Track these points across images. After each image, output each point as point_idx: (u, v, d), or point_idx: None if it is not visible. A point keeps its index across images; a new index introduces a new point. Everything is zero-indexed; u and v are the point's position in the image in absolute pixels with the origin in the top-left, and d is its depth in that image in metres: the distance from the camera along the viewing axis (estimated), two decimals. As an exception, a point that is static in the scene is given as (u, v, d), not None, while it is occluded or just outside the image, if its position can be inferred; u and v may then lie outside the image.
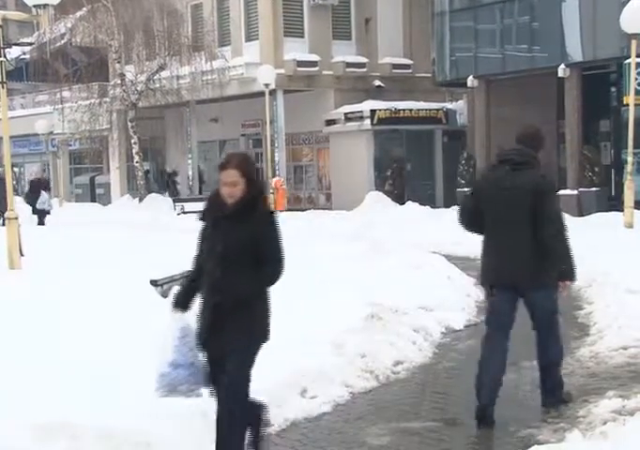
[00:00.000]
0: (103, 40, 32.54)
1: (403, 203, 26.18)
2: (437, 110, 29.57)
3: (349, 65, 29.88)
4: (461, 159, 26.60)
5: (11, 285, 10.24)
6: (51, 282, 9.84)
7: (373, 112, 28.35)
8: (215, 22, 31.13)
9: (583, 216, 20.37)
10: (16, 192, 19.51)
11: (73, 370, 5.73)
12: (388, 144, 29.28)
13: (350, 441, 5.52)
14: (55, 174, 38.56)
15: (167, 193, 33.89)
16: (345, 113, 29.00)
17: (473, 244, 16.33)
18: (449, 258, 13.50)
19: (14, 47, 25.45)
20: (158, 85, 31.78)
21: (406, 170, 29.40)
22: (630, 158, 17.78)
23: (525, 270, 5.71)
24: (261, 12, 29.52)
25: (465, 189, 25.01)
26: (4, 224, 14.13)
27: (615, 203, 21.03)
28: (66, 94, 34.44)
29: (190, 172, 34.49)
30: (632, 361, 7.12)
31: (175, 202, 30.39)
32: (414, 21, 30.95)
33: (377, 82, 30.35)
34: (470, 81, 25.49)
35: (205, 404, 4.73)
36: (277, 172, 29.10)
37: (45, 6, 13.20)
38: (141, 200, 32.57)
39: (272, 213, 4.70)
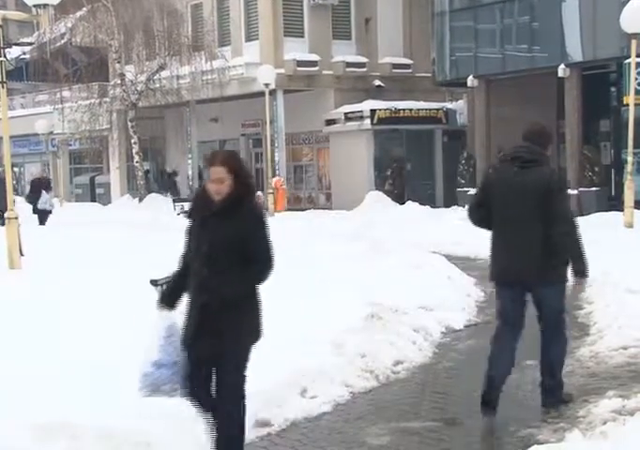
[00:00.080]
0: (103, 40, 32.54)
1: (403, 203, 26.19)
2: (437, 109, 29.57)
3: (349, 64, 29.88)
4: (461, 159, 26.62)
5: (11, 285, 10.25)
6: (51, 282, 9.85)
7: (373, 111, 28.35)
8: (215, 22, 31.13)
9: (583, 215, 20.35)
10: (16, 192, 19.51)
11: (73, 370, 5.73)
12: (388, 144, 29.28)
13: (350, 440, 5.52)
14: (55, 174, 38.57)
15: (168, 193, 33.90)
16: (345, 113, 29.01)
17: (473, 244, 16.42)
18: (449, 258, 13.50)
19: (14, 47, 25.48)
20: (158, 85, 31.78)
21: (406, 169, 29.40)
22: (630, 158, 17.78)
23: (534, 267, 5.72)
24: (261, 12, 29.52)
25: (465, 189, 25.16)
26: (4, 224, 14.12)
27: (615, 203, 21.03)
28: (66, 94, 34.45)
29: (190, 172, 34.48)
30: (632, 361, 7.12)
31: (174, 202, 30.37)
32: (414, 21, 30.95)
33: (377, 82, 30.35)
34: (470, 80, 25.50)
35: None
36: (277, 172, 29.10)
37: (45, 5, 13.21)
38: (141, 200, 32.57)
39: (260, 209, 4.63)
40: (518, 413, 5.88)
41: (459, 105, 29.83)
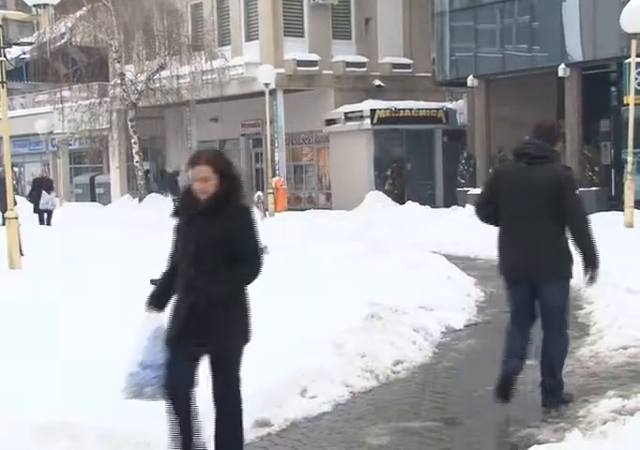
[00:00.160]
0: (103, 40, 32.58)
1: (403, 203, 26.20)
2: (437, 109, 29.58)
3: (349, 64, 29.88)
4: (461, 159, 26.62)
5: (11, 285, 10.26)
6: (51, 282, 9.87)
7: (373, 111, 28.35)
8: (215, 22, 31.13)
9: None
10: (16, 192, 19.51)
11: (73, 370, 5.74)
12: (388, 144, 29.28)
13: (350, 440, 5.52)
14: (55, 174, 38.58)
15: (168, 193, 33.86)
16: (345, 113, 29.01)
17: (473, 244, 16.40)
18: (449, 258, 13.50)
19: (14, 47, 25.48)
20: (158, 85, 31.80)
21: (406, 169, 29.40)
22: (630, 158, 17.78)
23: (541, 264, 5.75)
24: (261, 12, 29.52)
25: (465, 189, 25.17)
26: (4, 224, 14.13)
27: (615, 203, 21.03)
28: (66, 93, 34.47)
29: (191, 172, 34.43)
30: (632, 361, 7.12)
31: (175, 201, 30.35)
32: (414, 20, 30.95)
33: (377, 82, 30.35)
34: (470, 80, 25.50)
35: (205, 404, 4.71)
36: (277, 172, 29.10)
37: (45, 5, 13.23)
38: (141, 200, 32.59)
39: (247, 208, 4.51)
40: (518, 413, 5.88)
41: (459, 105, 29.83)
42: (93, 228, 20.17)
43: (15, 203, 14.18)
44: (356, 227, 20.29)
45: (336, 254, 12.33)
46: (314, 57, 29.21)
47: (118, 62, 32.11)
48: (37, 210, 23.91)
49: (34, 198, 24.29)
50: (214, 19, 31.12)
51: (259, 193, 27.99)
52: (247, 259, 4.37)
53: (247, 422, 5.41)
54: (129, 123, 32.35)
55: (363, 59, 30.26)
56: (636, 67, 17.69)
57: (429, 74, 28.21)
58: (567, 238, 5.81)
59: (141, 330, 4.50)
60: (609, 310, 8.82)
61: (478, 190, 23.39)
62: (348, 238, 16.23)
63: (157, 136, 37.25)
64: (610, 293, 9.45)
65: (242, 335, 4.47)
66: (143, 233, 17.14)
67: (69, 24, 33.33)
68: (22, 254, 12.93)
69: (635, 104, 18.27)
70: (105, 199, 37.72)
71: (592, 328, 8.48)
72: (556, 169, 5.82)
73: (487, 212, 6.03)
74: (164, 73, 31.47)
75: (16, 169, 40.10)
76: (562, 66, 22.62)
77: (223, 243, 4.33)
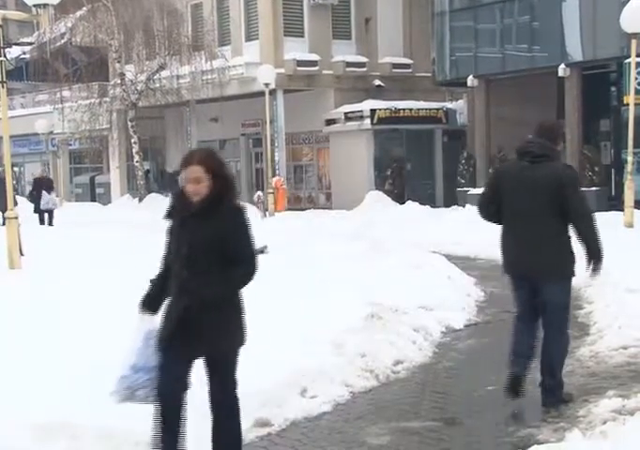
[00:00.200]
0: (103, 40, 32.58)
1: (403, 203, 26.21)
2: (437, 109, 29.58)
3: (349, 64, 29.89)
4: (461, 159, 26.63)
5: (11, 285, 10.25)
6: (51, 282, 9.86)
7: (373, 111, 28.36)
8: (215, 22, 31.13)
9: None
10: (16, 192, 19.52)
11: (73, 370, 5.73)
12: (388, 144, 29.28)
13: (350, 440, 5.52)
14: (55, 174, 38.59)
15: (169, 193, 33.86)
16: (345, 113, 29.01)
17: (473, 244, 16.36)
18: (449, 258, 13.50)
19: (14, 46, 25.49)
20: (158, 85, 31.80)
21: (406, 169, 29.41)
22: (630, 158, 17.77)
23: (543, 263, 5.78)
24: (261, 12, 29.53)
25: (465, 189, 25.18)
26: (4, 224, 14.13)
27: (615, 203, 21.03)
28: (66, 93, 34.48)
29: (191, 172, 34.43)
30: (632, 360, 7.11)
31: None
32: (414, 21, 30.96)
33: (377, 82, 30.35)
34: (470, 80, 25.51)
35: (204, 404, 4.71)
36: (277, 172, 29.10)
37: (45, 5, 13.22)
38: (141, 200, 32.58)
39: (241, 208, 4.40)
40: (518, 413, 5.88)
41: (459, 105, 29.84)
42: (93, 228, 20.18)
43: (16, 204, 14.19)
44: (356, 227, 20.29)
45: (336, 254, 12.33)
46: (314, 57, 29.22)
47: (118, 62, 32.11)
48: (37, 210, 23.92)
49: (34, 198, 24.31)
50: (214, 19, 31.13)
51: (259, 193, 28.01)
52: (241, 260, 4.30)
53: (247, 422, 5.42)
54: (129, 123, 32.35)
55: (363, 59, 30.27)
56: (636, 67, 17.69)
57: (429, 74, 28.23)
58: (569, 237, 5.82)
59: (134, 332, 4.46)
60: (609, 310, 8.82)
61: (478, 190, 23.42)
62: (348, 238, 16.23)
63: (157, 136, 37.26)
64: (610, 293, 9.45)
65: (237, 337, 4.42)
66: (143, 233, 17.13)
67: (69, 24, 33.33)
68: (22, 254, 12.93)
69: (635, 104, 18.27)
70: (105, 199, 37.72)
71: (592, 328, 8.48)
72: (558, 167, 5.85)
73: (490, 211, 6.05)
74: (164, 73, 31.47)
75: (16, 169, 40.10)
76: (562, 66, 22.63)
77: (217, 244, 4.27)
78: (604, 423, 5.20)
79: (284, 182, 28.81)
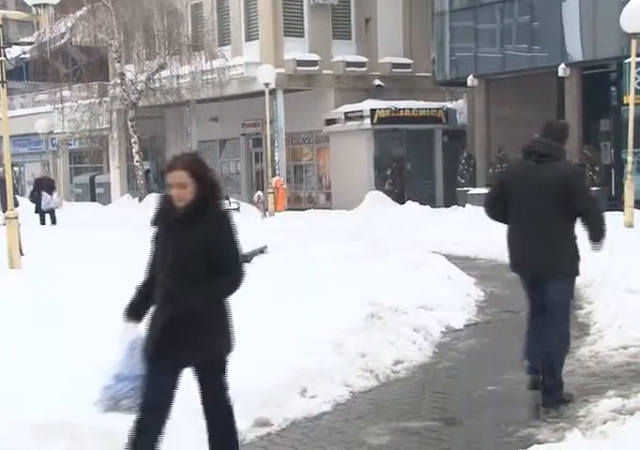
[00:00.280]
0: (103, 40, 32.55)
1: (403, 203, 26.19)
2: (437, 109, 29.57)
3: (349, 64, 29.88)
4: (461, 159, 26.63)
5: (11, 285, 10.26)
6: (51, 282, 9.86)
7: (372, 111, 28.35)
8: (215, 22, 31.13)
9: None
10: (16, 192, 19.53)
11: (73, 370, 5.73)
12: (388, 144, 29.27)
13: (350, 440, 5.52)
14: (55, 174, 38.58)
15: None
16: (345, 113, 29.00)
17: (473, 244, 16.35)
18: (449, 258, 13.50)
19: (14, 46, 25.46)
20: (158, 85, 31.78)
21: (406, 169, 29.40)
22: (630, 158, 17.77)
23: (547, 261, 5.80)
24: (261, 12, 29.52)
25: (465, 189, 25.18)
26: (4, 224, 14.13)
27: (615, 203, 21.01)
28: (66, 93, 34.46)
29: (190, 172, 34.41)
30: (632, 360, 7.12)
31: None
32: (414, 20, 30.95)
33: (377, 82, 30.35)
34: (470, 80, 25.51)
35: (199, 407, 4.71)
36: (277, 172, 29.10)
37: (45, 5, 13.23)
38: (141, 199, 32.56)
39: (226, 214, 4.31)
40: (518, 413, 5.88)
41: (459, 105, 29.83)
42: (93, 228, 20.18)
43: (17, 204, 14.19)
44: (356, 227, 20.29)
45: (336, 254, 12.33)
46: (314, 57, 29.21)
47: (118, 62, 32.10)
48: (38, 210, 23.92)
49: (35, 198, 24.31)
50: (214, 19, 31.12)
51: (259, 193, 28.00)
52: (227, 268, 4.21)
53: (247, 422, 5.43)
54: (129, 123, 32.34)
55: (363, 59, 30.26)
56: (636, 67, 17.69)
57: (429, 74, 28.22)
58: (575, 237, 5.85)
59: (118, 341, 4.39)
60: (609, 310, 8.82)
61: (478, 190, 23.43)
62: (348, 238, 16.23)
63: (157, 136, 37.24)
64: (610, 293, 9.45)
65: (223, 344, 4.34)
66: (143, 233, 17.10)
67: (69, 24, 33.31)
68: (22, 254, 12.93)
69: (635, 104, 18.26)
70: (105, 199, 37.71)
71: (592, 328, 8.48)
72: (564, 167, 5.88)
73: (496, 210, 6.08)
74: (164, 73, 31.46)
75: (16, 168, 40.10)
76: (562, 65, 22.62)
77: (202, 250, 4.18)
78: (604, 423, 5.20)
79: (284, 182, 28.81)
